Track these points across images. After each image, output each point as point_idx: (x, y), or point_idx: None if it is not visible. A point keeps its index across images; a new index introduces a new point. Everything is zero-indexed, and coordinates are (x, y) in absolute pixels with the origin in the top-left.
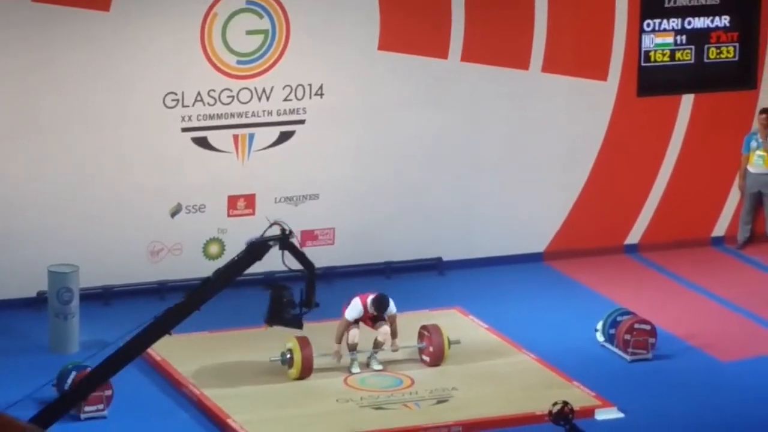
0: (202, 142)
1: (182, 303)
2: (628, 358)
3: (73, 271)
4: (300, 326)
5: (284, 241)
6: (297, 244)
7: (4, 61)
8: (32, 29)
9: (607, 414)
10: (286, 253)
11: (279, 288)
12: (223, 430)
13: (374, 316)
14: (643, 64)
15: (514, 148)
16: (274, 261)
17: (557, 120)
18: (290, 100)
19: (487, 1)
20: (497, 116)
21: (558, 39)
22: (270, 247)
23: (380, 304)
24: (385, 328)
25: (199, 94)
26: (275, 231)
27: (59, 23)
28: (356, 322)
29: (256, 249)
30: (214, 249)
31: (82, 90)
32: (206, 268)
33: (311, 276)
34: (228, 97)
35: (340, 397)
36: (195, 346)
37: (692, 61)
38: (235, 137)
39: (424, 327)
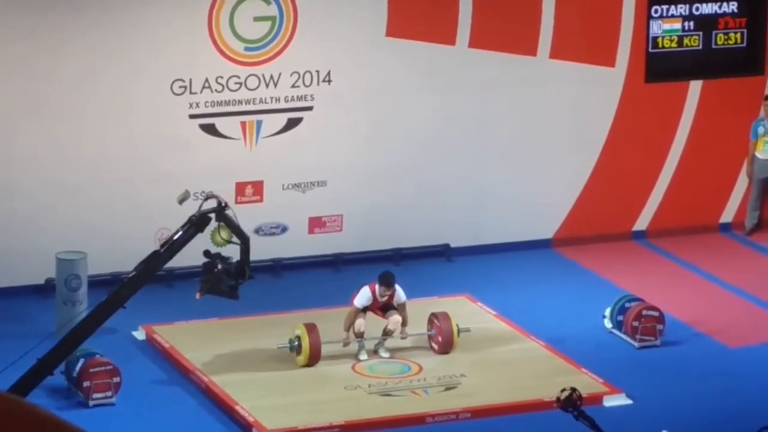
0: (210, 129)
1: (136, 274)
2: (636, 344)
3: (81, 258)
4: (235, 297)
5: (220, 212)
6: (233, 215)
7: (12, 47)
8: (39, 16)
9: (616, 400)
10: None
11: (213, 257)
12: (230, 416)
13: (384, 306)
14: (650, 50)
15: (522, 135)
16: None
17: (565, 106)
18: (298, 86)
19: None
20: (505, 103)
21: (566, 25)
22: (210, 219)
23: (386, 279)
24: (396, 317)
25: (206, 80)
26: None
27: (66, 9)
28: (364, 311)
29: (198, 221)
30: (221, 236)
31: (89, 77)
32: None
33: (245, 247)
34: (236, 83)
35: (348, 383)
36: (203, 333)
37: (700, 47)
38: (243, 124)
39: (433, 314)
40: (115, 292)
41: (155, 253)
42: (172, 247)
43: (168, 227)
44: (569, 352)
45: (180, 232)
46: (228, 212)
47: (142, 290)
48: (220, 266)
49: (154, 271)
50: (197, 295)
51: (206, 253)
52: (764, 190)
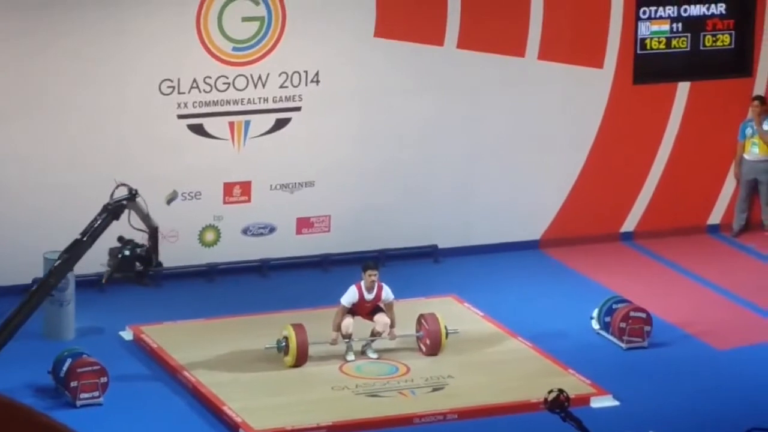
0: (198, 129)
1: (62, 262)
2: (623, 345)
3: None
4: (143, 283)
5: (131, 200)
6: (143, 204)
7: (0, 48)
8: (28, 17)
9: (603, 402)
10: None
11: (124, 243)
12: (218, 417)
13: (372, 308)
14: (639, 51)
15: (510, 136)
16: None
17: (553, 107)
18: (286, 87)
19: None
20: (493, 104)
21: (554, 26)
22: (124, 207)
23: (369, 262)
24: (384, 319)
25: (194, 80)
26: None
27: (55, 10)
28: (352, 314)
29: (114, 209)
30: (209, 236)
31: (77, 77)
32: (202, 256)
33: (152, 235)
34: (224, 84)
35: (335, 384)
36: (190, 333)
37: (688, 49)
38: (231, 124)
39: (422, 316)
40: (45, 279)
41: (78, 241)
42: (92, 234)
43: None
44: (556, 354)
45: (99, 220)
46: (138, 200)
47: (128, 289)
48: (126, 252)
49: (78, 258)
50: (102, 280)
51: (120, 239)
52: (752, 192)
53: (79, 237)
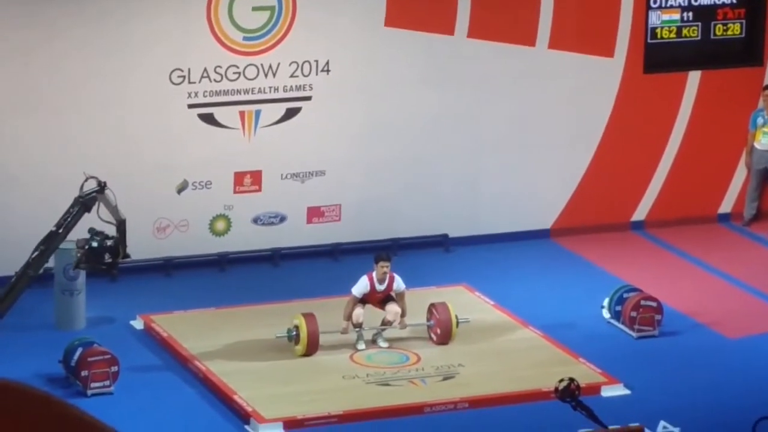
0: (209, 119)
1: (39, 253)
2: (634, 334)
3: None
4: (110, 274)
5: (101, 193)
6: (111, 196)
7: (9, 38)
8: (36, 7)
9: (614, 391)
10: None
11: (92, 234)
12: (229, 406)
13: (383, 297)
14: (649, 40)
15: (521, 125)
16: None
17: (564, 97)
18: (296, 76)
19: None
20: (504, 93)
21: (564, 15)
22: (96, 198)
23: (382, 254)
24: (395, 308)
25: (205, 70)
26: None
27: (64, 0)
28: (363, 302)
29: (86, 201)
30: (220, 225)
31: (87, 66)
32: (212, 245)
33: (119, 227)
34: (234, 73)
35: (346, 373)
36: (201, 322)
37: (699, 38)
38: (242, 114)
39: (432, 305)
40: (23, 272)
41: (53, 233)
42: (66, 226)
43: (166, 217)
44: (567, 342)
45: (72, 213)
46: (107, 192)
47: (140, 279)
48: (94, 244)
49: (54, 249)
50: (71, 270)
51: (90, 230)
52: (763, 181)
53: (54, 229)
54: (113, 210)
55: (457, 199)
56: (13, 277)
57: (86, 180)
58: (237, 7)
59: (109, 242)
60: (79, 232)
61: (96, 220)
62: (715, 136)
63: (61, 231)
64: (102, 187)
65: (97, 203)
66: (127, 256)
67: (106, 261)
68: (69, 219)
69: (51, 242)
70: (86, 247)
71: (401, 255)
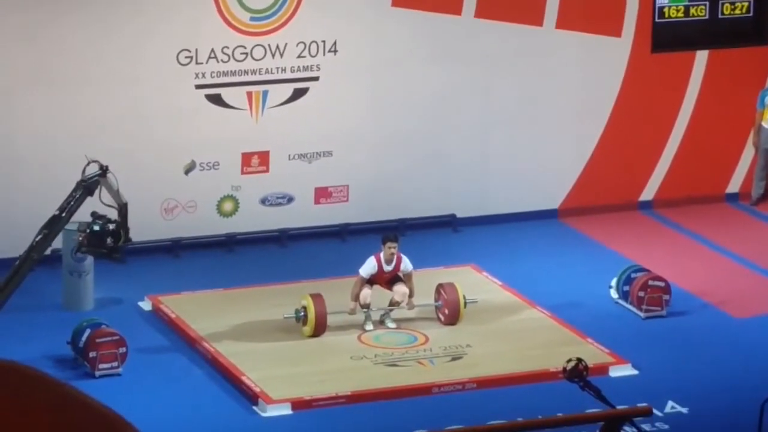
0: (216, 99)
1: (42, 237)
2: (642, 314)
3: None
4: (113, 258)
5: (102, 176)
6: (113, 180)
7: (18, 18)
8: None
9: (621, 371)
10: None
11: (95, 218)
12: (237, 387)
13: (390, 278)
14: (657, 20)
15: (528, 105)
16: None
17: (571, 76)
18: (304, 56)
19: None
20: (511, 73)
21: None
22: (98, 182)
23: (389, 234)
24: (402, 288)
25: (212, 51)
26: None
27: None
28: (370, 283)
29: (89, 185)
30: (228, 206)
31: (95, 47)
32: (220, 226)
33: (121, 211)
34: (242, 54)
35: (354, 354)
36: (209, 303)
37: (706, 17)
38: (249, 94)
39: (440, 285)
40: (27, 255)
41: (56, 217)
42: (69, 210)
43: (174, 198)
44: (575, 323)
45: (74, 197)
46: (109, 176)
47: (147, 259)
48: (96, 227)
49: (57, 233)
50: (74, 252)
51: (93, 214)
52: None
53: (57, 213)
54: (115, 194)
55: (465, 180)
56: (17, 261)
57: (88, 164)
58: None
59: (111, 226)
60: (82, 215)
61: (98, 203)
62: (722, 115)
63: (64, 215)
64: (104, 170)
65: (99, 187)
66: (129, 240)
67: (108, 245)
68: (72, 203)
69: (54, 226)
70: (88, 230)
71: (409, 235)
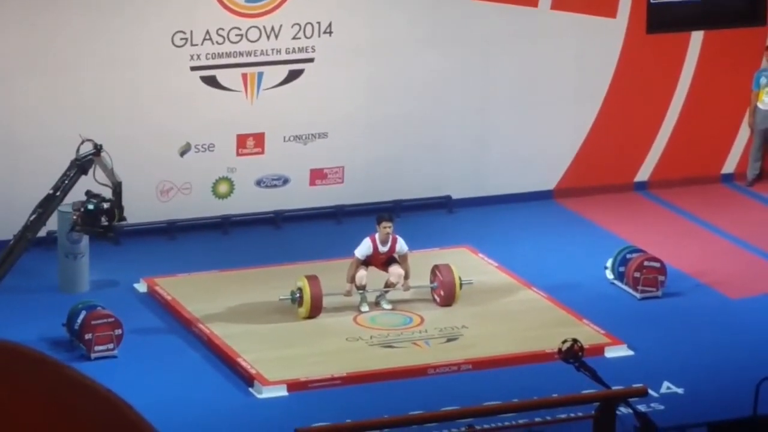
0: (211, 81)
1: (37, 216)
2: (637, 295)
3: None
4: (107, 238)
5: (97, 155)
6: (107, 159)
7: (14, 1)
8: None
9: (617, 351)
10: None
11: (89, 197)
12: (232, 369)
13: (386, 259)
14: (652, 1)
15: (524, 86)
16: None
17: (567, 57)
18: (299, 38)
19: None
20: (507, 54)
21: None
22: (92, 162)
23: (383, 214)
24: (398, 270)
25: (207, 32)
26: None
27: None
28: (366, 264)
29: (83, 164)
30: (223, 188)
31: (90, 29)
32: (216, 207)
33: (116, 189)
34: (237, 35)
35: (349, 335)
36: (204, 285)
37: None
38: (244, 76)
39: (436, 267)
40: (21, 234)
41: (50, 196)
42: (63, 189)
43: (169, 179)
44: (571, 304)
45: (69, 176)
46: (103, 155)
47: (143, 241)
48: (90, 206)
49: (51, 212)
50: (68, 233)
51: (87, 193)
52: (766, 141)
53: (51, 192)
54: (109, 173)
55: (461, 161)
56: (11, 240)
57: (82, 143)
58: None
59: (105, 205)
60: (77, 194)
61: (93, 182)
62: (718, 96)
63: (58, 194)
64: (98, 149)
65: (93, 166)
66: (123, 219)
67: (103, 224)
68: (66, 182)
69: (48, 205)
70: (82, 209)
71: (404, 217)
